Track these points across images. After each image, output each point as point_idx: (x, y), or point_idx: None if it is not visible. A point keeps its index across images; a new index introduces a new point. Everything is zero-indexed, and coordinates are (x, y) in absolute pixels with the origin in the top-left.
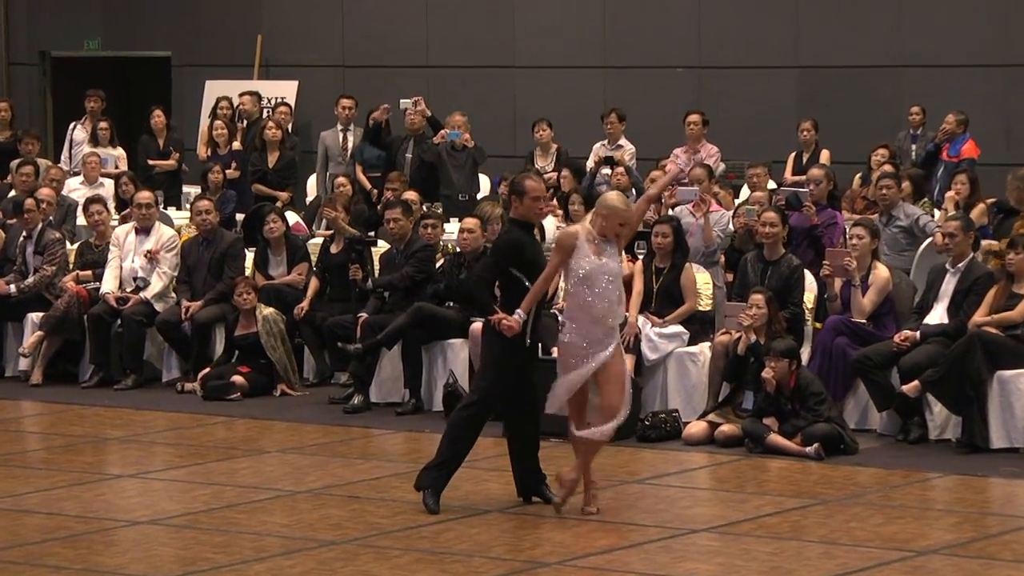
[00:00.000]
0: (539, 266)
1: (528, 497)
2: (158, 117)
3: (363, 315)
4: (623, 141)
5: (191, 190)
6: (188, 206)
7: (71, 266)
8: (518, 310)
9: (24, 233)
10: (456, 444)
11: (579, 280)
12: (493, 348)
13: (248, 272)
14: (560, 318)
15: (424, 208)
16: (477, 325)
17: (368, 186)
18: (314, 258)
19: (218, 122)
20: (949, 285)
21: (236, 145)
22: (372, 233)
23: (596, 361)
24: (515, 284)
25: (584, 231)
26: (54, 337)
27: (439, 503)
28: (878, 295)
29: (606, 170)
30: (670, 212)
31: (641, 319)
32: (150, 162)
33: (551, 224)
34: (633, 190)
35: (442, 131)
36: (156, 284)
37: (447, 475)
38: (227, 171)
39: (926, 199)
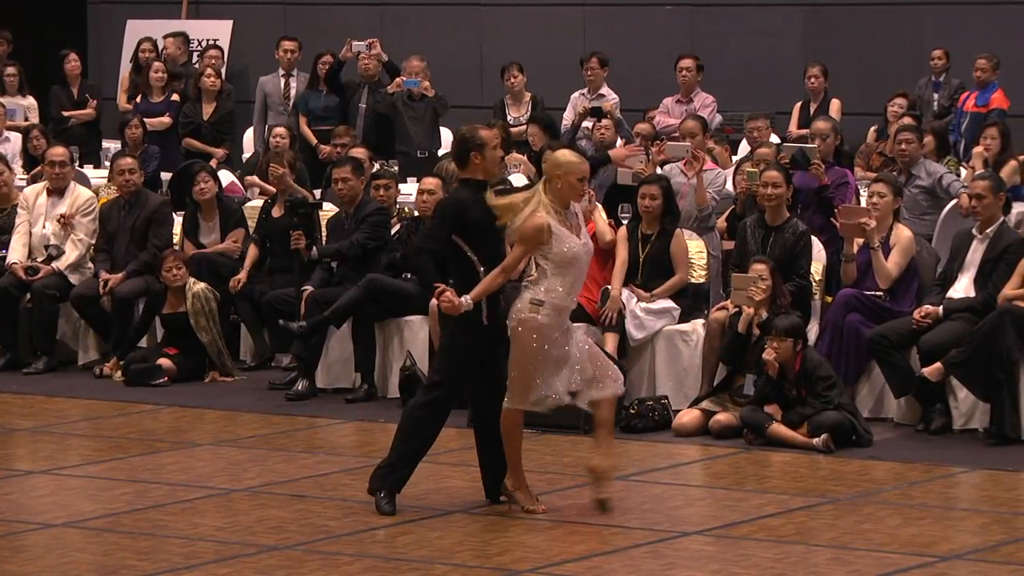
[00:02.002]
0: (492, 231)
1: (497, 497)
2: (72, 62)
3: (308, 288)
4: (605, 89)
5: (111, 145)
6: (107, 164)
7: None
8: (467, 296)
9: None
10: (410, 441)
11: (565, 263)
12: (450, 328)
13: (176, 239)
14: (533, 298)
15: (376, 166)
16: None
17: (314, 140)
18: (251, 223)
19: (157, 63)
20: (976, 253)
21: (176, 97)
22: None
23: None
24: (459, 255)
25: (547, 213)
26: None
27: (395, 505)
28: (903, 256)
29: (588, 123)
30: (658, 171)
31: (625, 293)
32: (64, 113)
33: (520, 182)
34: (618, 144)
35: (398, 79)
36: (71, 253)
37: (403, 476)
38: (149, 121)
39: (951, 157)
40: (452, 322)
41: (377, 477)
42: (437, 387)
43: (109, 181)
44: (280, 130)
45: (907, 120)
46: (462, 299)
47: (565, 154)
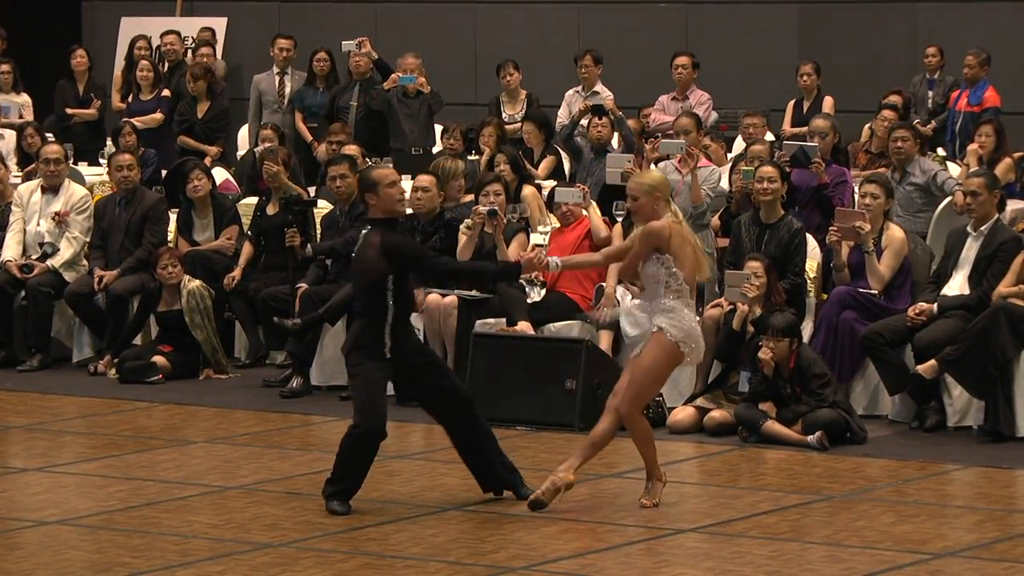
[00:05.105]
0: (405, 281)
1: (500, 490)
2: (80, 57)
3: (302, 286)
4: (599, 87)
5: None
6: (103, 161)
7: None
8: (555, 259)
9: None
10: (354, 467)
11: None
12: (356, 370)
13: (171, 237)
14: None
15: (367, 163)
16: (433, 297)
17: (309, 137)
18: (246, 220)
19: (144, 62)
20: (971, 251)
21: (166, 92)
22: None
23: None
24: (379, 296)
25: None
26: None
27: (348, 505)
28: (895, 258)
29: (585, 120)
30: (653, 167)
31: (620, 290)
32: (68, 111)
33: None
34: (615, 142)
35: (393, 75)
36: (65, 251)
37: (353, 490)
38: (141, 119)
39: (938, 150)
40: (358, 362)
41: (329, 490)
42: (358, 423)
43: (108, 177)
44: (267, 132)
45: (888, 114)
46: (548, 259)
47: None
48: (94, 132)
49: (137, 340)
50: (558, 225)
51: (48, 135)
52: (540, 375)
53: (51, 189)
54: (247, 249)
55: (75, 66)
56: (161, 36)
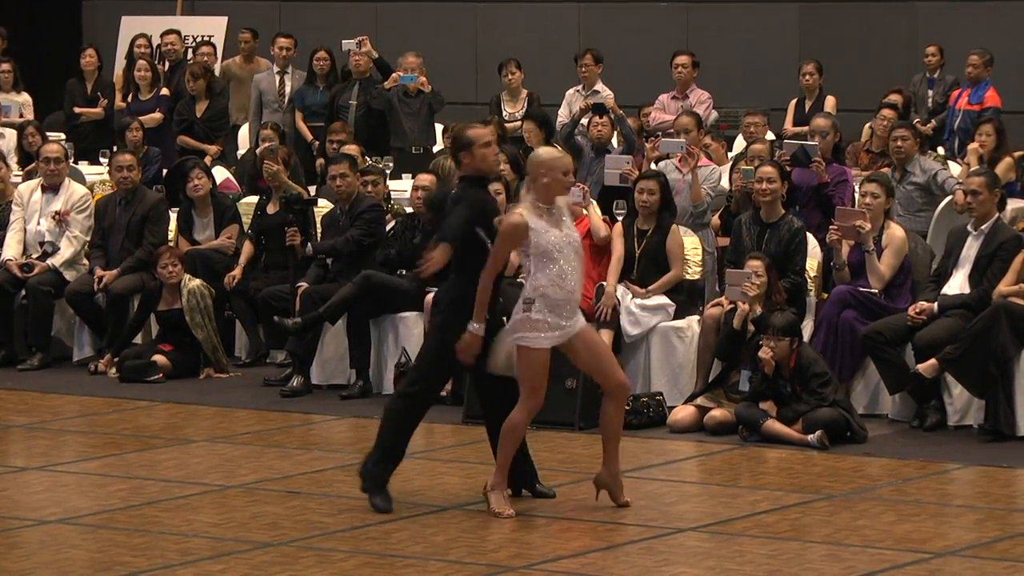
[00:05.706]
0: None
1: (518, 490)
2: (89, 57)
3: (303, 285)
4: (599, 86)
5: None
6: (103, 160)
7: None
8: (472, 324)
9: None
10: (397, 436)
11: (545, 255)
12: (433, 338)
13: (171, 236)
14: (525, 296)
15: (367, 161)
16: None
17: (309, 136)
18: (246, 219)
19: (141, 62)
20: (971, 250)
21: (165, 91)
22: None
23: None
24: (478, 248)
25: (528, 211)
26: None
27: (391, 500)
28: (895, 257)
29: (585, 119)
30: (653, 166)
31: (620, 289)
32: (76, 110)
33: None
34: (614, 142)
35: (394, 74)
36: (66, 250)
37: (391, 470)
38: (140, 118)
39: (939, 149)
40: (439, 333)
41: (367, 475)
42: (417, 382)
43: (109, 177)
44: (267, 132)
45: (886, 112)
46: (470, 329)
47: (548, 151)
48: (101, 131)
49: (137, 339)
50: None
51: (51, 134)
52: None
53: (51, 188)
54: (247, 248)
55: (84, 65)
56: (161, 36)
